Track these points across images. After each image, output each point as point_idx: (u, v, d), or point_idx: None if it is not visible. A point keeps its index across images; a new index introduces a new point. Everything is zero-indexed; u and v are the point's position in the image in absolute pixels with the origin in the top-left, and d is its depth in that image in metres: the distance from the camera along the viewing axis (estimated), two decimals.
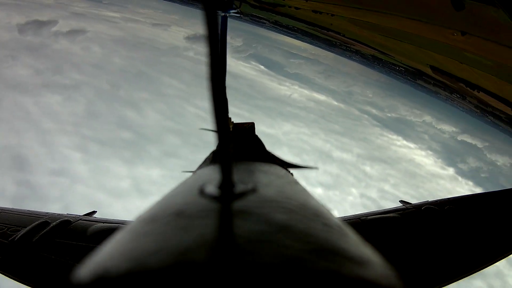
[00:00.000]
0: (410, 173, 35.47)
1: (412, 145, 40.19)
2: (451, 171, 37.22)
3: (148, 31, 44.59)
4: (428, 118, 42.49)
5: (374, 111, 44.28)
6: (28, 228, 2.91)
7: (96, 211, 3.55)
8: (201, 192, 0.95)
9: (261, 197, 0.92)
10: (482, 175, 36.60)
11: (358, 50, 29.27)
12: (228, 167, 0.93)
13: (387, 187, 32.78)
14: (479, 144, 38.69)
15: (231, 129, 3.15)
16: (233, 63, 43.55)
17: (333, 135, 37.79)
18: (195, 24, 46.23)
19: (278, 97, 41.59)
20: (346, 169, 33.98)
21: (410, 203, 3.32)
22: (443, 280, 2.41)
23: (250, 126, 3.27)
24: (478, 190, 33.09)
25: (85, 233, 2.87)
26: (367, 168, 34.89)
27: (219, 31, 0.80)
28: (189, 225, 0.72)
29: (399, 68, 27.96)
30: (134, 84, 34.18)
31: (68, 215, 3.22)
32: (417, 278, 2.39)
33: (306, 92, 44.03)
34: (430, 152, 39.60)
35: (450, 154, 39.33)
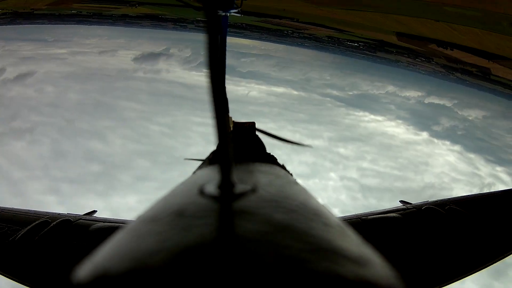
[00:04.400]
0: (385, 146, 34.63)
1: (380, 118, 39.25)
2: (425, 135, 36.40)
3: (97, 60, 43.39)
4: (391, 88, 41.84)
5: (335, 92, 42.78)
6: (28, 227, 2.82)
7: (97, 211, 3.33)
8: (201, 192, 0.91)
9: (261, 197, 0.89)
10: (459, 132, 36.02)
11: (312, 34, 28.53)
12: (228, 167, 0.91)
13: (365, 164, 32.13)
14: (448, 103, 38.32)
15: (231, 128, 3.08)
16: (185, 74, 43.14)
17: (300, 124, 36.95)
18: (141, 44, 46.03)
19: (238, 98, 39.62)
20: (321, 155, 32.83)
21: (411, 203, 3.14)
22: (444, 280, 2.35)
23: (251, 125, 3.19)
24: (456, 149, 33.21)
25: (86, 233, 2.78)
26: (341, 150, 33.97)
27: (220, 31, 0.82)
28: (189, 225, 0.71)
29: (357, 43, 26.78)
30: (93, 115, 33.25)
31: (68, 215, 3.07)
32: (418, 278, 2.32)
33: (264, 87, 43.12)
34: (400, 121, 38.63)
35: (420, 119, 38.51)
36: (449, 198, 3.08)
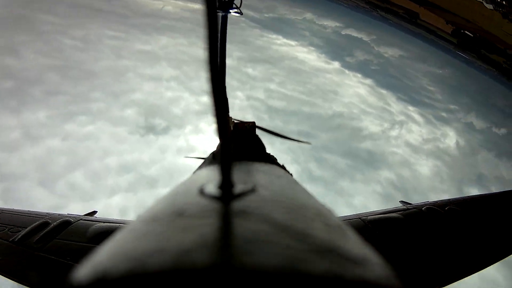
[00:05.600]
0: (294, 70, 33.97)
1: (293, 42, 38.51)
2: (336, 65, 35.66)
3: None
4: (308, 15, 40.99)
5: (251, 13, 41.64)
6: (28, 228, 2.75)
7: (97, 211, 3.28)
8: (201, 192, 0.93)
9: (261, 197, 0.92)
10: (372, 67, 35.77)
11: None
12: (228, 167, 0.93)
13: (272, 86, 31.14)
14: (365, 38, 37.73)
15: (231, 128, 2.97)
16: None
17: None
18: None
19: (152, 12, 39.31)
20: (228, 74, 30.65)
21: (411, 203, 3.05)
22: (445, 281, 2.29)
23: (251, 125, 3.08)
24: (368, 82, 33.14)
25: (86, 233, 2.70)
26: (249, 70, 33.00)
27: (219, 31, 0.86)
28: (189, 225, 0.72)
29: None
30: (10, 30, 30.44)
31: (68, 215, 2.97)
32: (419, 279, 2.26)
33: (180, 3, 41.98)
34: (312, 48, 37.61)
35: (334, 49, 37.30)
36: (448, 199, 3.04)
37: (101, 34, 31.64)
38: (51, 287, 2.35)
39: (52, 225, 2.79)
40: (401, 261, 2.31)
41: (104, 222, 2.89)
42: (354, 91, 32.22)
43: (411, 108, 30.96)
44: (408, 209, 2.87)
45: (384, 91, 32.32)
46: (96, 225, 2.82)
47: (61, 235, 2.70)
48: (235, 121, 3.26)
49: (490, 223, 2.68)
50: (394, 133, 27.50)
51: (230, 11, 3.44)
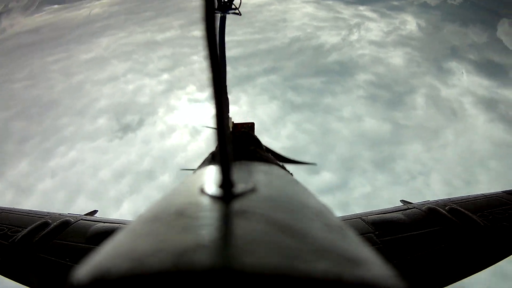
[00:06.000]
0: (236, 16, 32.59)
1: None
2: None
3: None
4: None
5: None
6: (28, 228, 2.71)
7: (97, 211, 3.20)
8: (201, 191, 0.91)
9: (261, 197, 0.90)
10: None
11: None
12: (228, 167, 0.90)
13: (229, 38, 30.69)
14: None
15: (231, 129, 3.16)
16: (28, 21, 40.84)
17: (149, 22, 36.37)
18: None
19: (82, 22, 38.89)
20: (178, 45, 32.42)
21: (411, 203, 2.97)
22: (447, 280, 2.31)
23: (250, 125, 3.34)
24: None
25: (86, 233, 2.67)
26: (195, 32, 32.42)
27: (218, 32, 0.91)
28: (189, 225, 0.71)
29: None
30: None
31: (69, 215, 2.95)
32: (420, 278, 2.28)
33: (105, 1, 41.94)
34: None
35: None
36: (449, 198, 3.00)
37: (43, 63, 31.33)
38: None
39: (52, 225, 2.76)
40: (402, 261, 2.32)
41: (104, 222, 2.89)
42: (302, 12, 32.27)
43: (361, 8, 31.04)
44: (408, 208, 2.85)
45: (330, 2, 32.33)
46: (96, 225, 2.82)
47: (61, 235, 2.69)
48: (234, 122, 3.40)
49: (492, 222, 2.62)
50: (354, 37, 27.53)
51: (229, 11, 3.60)
